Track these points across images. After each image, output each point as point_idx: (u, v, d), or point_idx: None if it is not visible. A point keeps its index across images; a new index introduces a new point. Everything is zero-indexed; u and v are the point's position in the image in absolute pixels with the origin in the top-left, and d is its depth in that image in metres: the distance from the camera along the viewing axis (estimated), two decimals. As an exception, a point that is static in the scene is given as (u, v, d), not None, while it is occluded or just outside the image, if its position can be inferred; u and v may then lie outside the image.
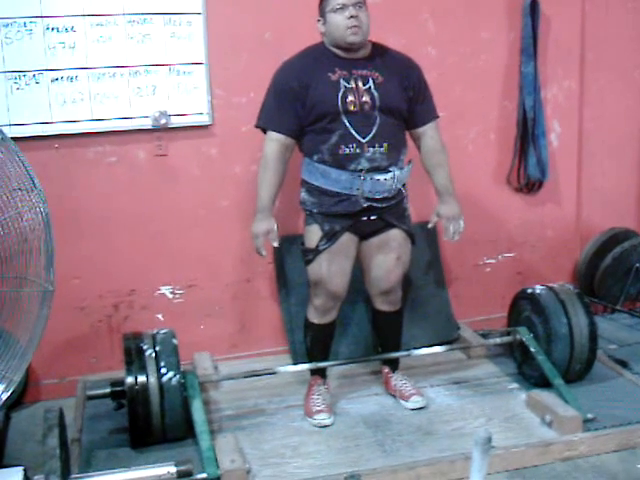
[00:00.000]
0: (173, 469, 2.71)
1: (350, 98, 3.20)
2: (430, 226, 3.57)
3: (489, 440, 2.33)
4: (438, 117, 3.48)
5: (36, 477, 2.55)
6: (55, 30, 3.56)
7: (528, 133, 4.31)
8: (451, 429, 3.34)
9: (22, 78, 3.55)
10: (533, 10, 4.18)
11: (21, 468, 2.54)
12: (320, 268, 3.35)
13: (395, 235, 3.42)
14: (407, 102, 3.33)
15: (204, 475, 2.87)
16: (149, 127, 3.77)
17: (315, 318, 3.50)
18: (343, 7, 3.15)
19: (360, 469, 2.93)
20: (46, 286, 2.69)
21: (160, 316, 3.98)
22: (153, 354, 3.26)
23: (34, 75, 3.57)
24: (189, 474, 2.74)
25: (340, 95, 3.19)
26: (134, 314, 3.95)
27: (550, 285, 3.79)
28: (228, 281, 4.07)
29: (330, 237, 3.31)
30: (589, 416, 3.26)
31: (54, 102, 3.61)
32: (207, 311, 4.07)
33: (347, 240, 3.35)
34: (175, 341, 3.34)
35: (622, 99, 4.56)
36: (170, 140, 3.84)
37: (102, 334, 3.93)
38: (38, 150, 3.59)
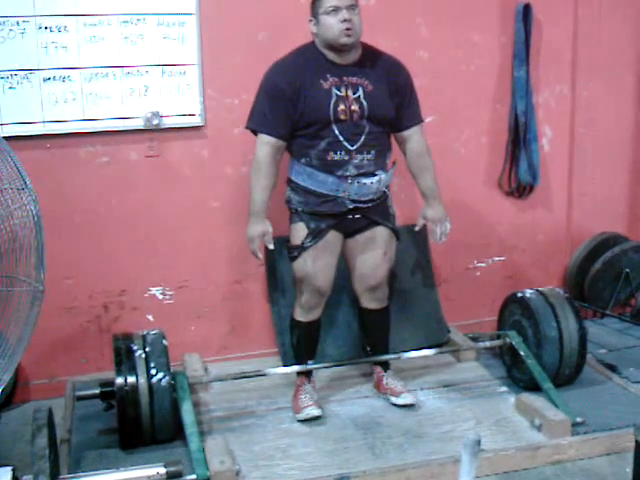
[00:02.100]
0: (162, 470, 2.71)
1: (341, 107, 3.22)
2: (417, 229, 3.62)
3: (478, 443, 2.33)
4: (423, 121, 3.49)
5: (25, 477, 2.55)
6: (48, 29, 3.55)
7: (520, 137, 4.32)
8: (441, 432, 3.35)
9: (14, 77, 3.54)
10: (526, 15, 4.19)
11: (10, 468, 2.53)
12: (305, 264, 3.37)
13: (381, 232, 3.46)
14: (394, 108, 3.35)
15: (193, 476, 2.86)
16: (141, 128, 3.77)
17: (300, 316, 3.51)
18: (336, 9, 3.15)
19: (349, 471, 2.94)
20: (36, 286, 2.68)
21: (150, 317, 3.98)
22: (143, 355, 3.26)
23: (26, 74, 3.55)
24: (179, 475, 2.74)
25: (332, 104, 3.21)
26: (124, 315, 3.94)
27: (540, 289, 3.80)
28: (219, 282, 4.07)
29: (316, 234, 3.34)
30: (578, 420, 3.27)
31: (46, 101, 3.60)
32: (197, 312, 4.06)
33: (332, 237, 3.39)
34: (165, 342, 3.34)
35: (614, 104, 4.57)
36: (162, 141, 3.83)
37: (92, 334, 3.92)
38: (30, 149, 3.58)
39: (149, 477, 2.71)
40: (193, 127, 3.86)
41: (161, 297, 3.99)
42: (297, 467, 3.10)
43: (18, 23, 3.50)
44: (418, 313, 4.21)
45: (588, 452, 3.13)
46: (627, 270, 4.49)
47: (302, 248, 3.36)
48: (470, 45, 4.22)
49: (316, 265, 3.36)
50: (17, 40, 3.52)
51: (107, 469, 2.85)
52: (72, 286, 3.83)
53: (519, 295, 3.79)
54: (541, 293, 3.75)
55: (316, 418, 3.44)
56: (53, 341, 3.82)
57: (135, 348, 3.28)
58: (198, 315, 4.07)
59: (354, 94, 3.23)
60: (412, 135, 3.44)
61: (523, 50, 4.22)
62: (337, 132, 3.23)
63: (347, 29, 3.14)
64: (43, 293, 2.70)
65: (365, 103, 3.24)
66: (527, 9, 4.19)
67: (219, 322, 4.11)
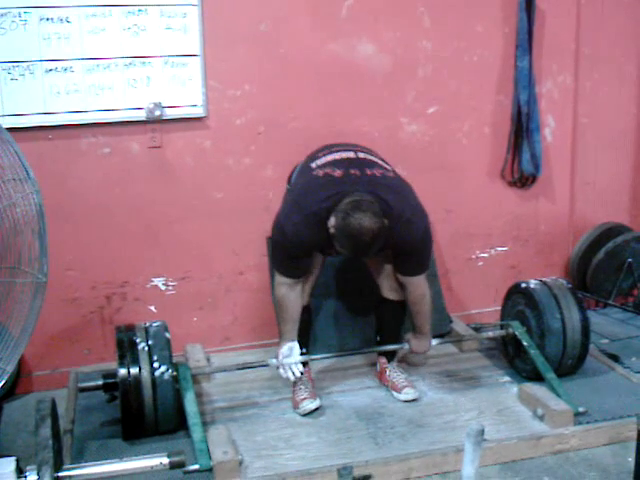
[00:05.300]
0: (165, 460, 2.71)
1: None
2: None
3: (482, 433, 2.34)
4: (426, 271, 3.45)
5: (28, 467, 2.55)
6: (50, 21, 3.54)
7: (522, 128, 4.31)
8: (443, 422, 3.35)
9: (16, 69, 3.54)
10: (528, 4, 4.17)
11: (13, 459, 2.53)
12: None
13: None
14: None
15: (196, 466, 2.87)
16: (143, 119, 3.76)
17: None
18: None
19: (352, 461, 2.93)
20: (39, 277, 2.69)
21: (153, 308, 3.98)
22: (146, 348, 3.25)
23: (28, 66, 3.55)
24: (181, 465, 2.74)
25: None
26: (127, 306, 3.95)
27: (543, 279, 3.80)
28: (221, 273, 4.07)
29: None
30: (580, 410, 3.27)
31: (48, 93, 3.60)
32: (200, 303, 4.07)
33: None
34: (168, 335, 3.34)
35: (616, 94, 4.56)
36: (164, 132, 3.83)
37: (94, 325, 3.92)
38: (32, 141, 3.57)
39: (152, 467, 2.71)
40: (195, 118, 3.85)
41: (164, 288, 3.99)
42: (300, 457, 3.11)
43: (20, 14, 3.50)
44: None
45: (590, 442, 3.13)
46: (630, 260, 4.49)
47: None
48: (473, 35, 4.20)
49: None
50: (19, 31, 3.51)
51: (110, 459, 2.86)
52: (75, 277, 3.83)
53: (523, 285, 3.79)
54: (544, 283, 3.75)
55: (315, 410, 3.44)
56: (56, 332, 3.83)
57: (138, 341, 3.28)
58: (201, 306, 4.07)
59: None
60: (409, 281, 3.43)
61: (526, 40, 4.21)
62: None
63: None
64: (46, 284, 2.71)
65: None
66: (530, -1, 4.19)
67: (221, 313, 4.12)
